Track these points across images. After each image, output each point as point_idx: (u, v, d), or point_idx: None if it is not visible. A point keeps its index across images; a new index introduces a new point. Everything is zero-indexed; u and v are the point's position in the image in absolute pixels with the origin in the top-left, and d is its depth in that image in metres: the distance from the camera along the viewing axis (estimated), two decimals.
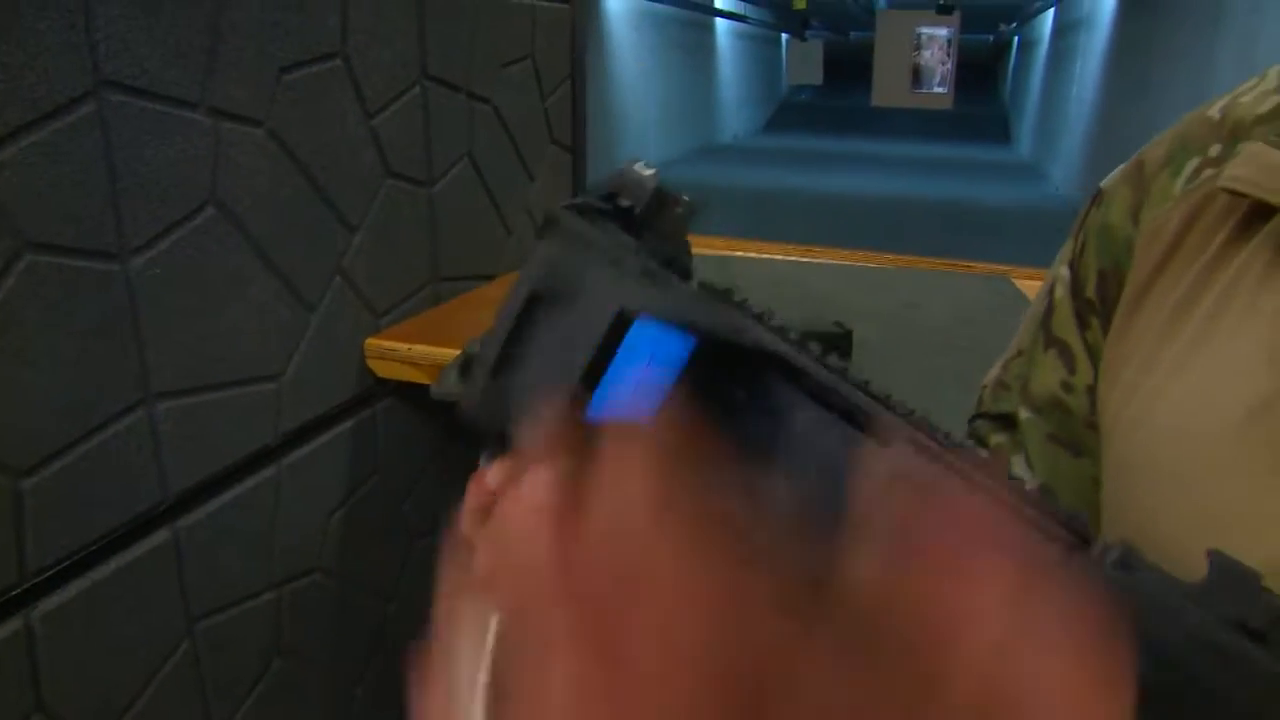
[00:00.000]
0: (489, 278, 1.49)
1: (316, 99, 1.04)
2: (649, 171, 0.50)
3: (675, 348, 0.32)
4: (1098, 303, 0.60)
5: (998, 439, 0.69)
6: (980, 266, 1.68)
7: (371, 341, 1.19)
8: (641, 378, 0.32)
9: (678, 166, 11.37)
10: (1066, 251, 0.65)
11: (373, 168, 1.16)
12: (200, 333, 0.92)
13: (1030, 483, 0.65)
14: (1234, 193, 0.49)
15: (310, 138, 1.04)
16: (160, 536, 0.90)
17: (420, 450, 1.35)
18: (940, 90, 6.98)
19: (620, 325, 0.30)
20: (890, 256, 1.67)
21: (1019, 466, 0.67)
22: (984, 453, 0.72)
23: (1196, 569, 0.49)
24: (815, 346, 0.34)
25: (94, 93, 0.79)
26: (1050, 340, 0.64)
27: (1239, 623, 0.23)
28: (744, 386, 0.33)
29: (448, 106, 1.31)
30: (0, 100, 0.72)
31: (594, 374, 0.30)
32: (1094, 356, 0.61)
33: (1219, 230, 0.50)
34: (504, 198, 1.50)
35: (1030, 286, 1.54)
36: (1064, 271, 0.65)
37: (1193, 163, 0.55)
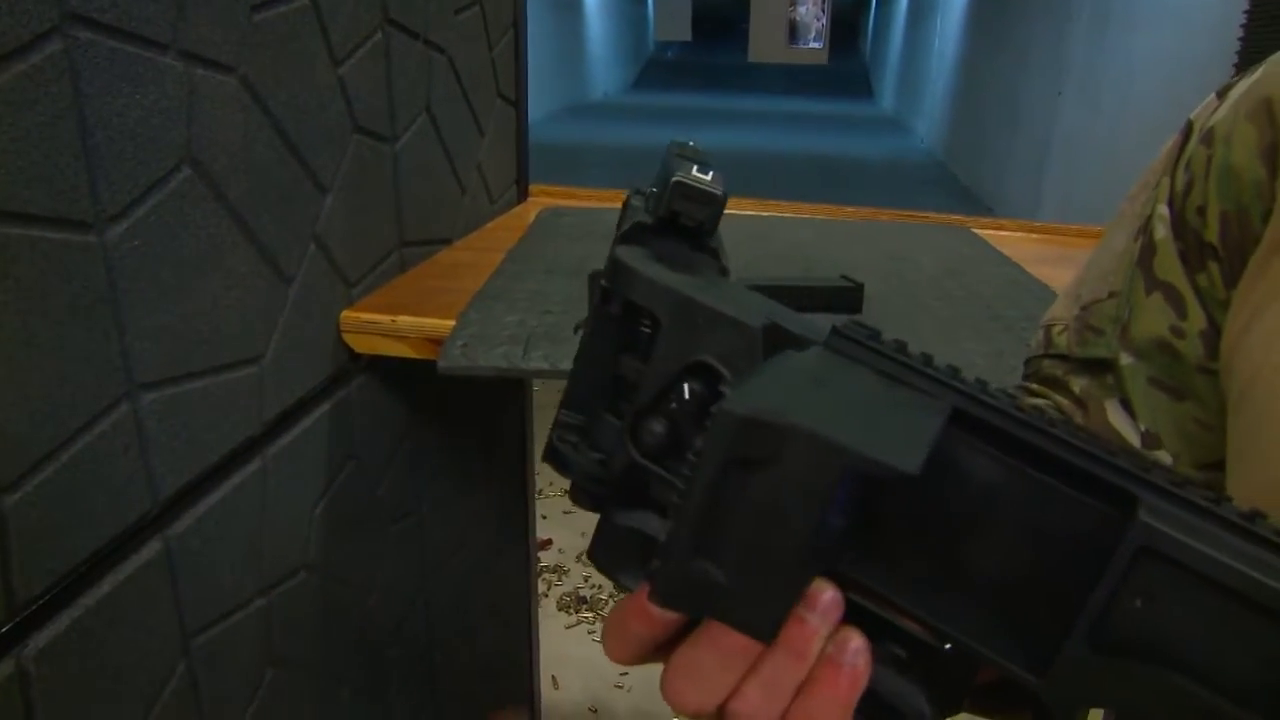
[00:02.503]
0: (446, 241, 1.38)
1: (286, 43, 0.92)
2: (708, 176, 0.42)
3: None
4: (1219, 247, 0.58)
5: (1082, 383, 0.67)
6: (936, 217, 1.68)
7: (348, 314, 1.07)
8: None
9: (549, 125, 11.21)
10: (1161, 189, 0.63)
11: (341, 122, 1.05)
12: (181, 312, 0.80)
13: (1131, 428, 0.63)
14: None
15: (282, 87, 0.92)
16: (153, 548, 0.79)
17: (393, 430, 1.25)
18: (816, 45, 7.04)
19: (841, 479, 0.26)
20: (849, 209, 1.65)
21: (1114, 412, 0.65)
22: (1062, 398, 0.70)
23: None
24: (1000, 391, 0.30)
25: (60, 29, 0.65)
26: (1154, 283, 0.62)
27: None
28: None
29: (407, 56, 1.19)
30: None
31: (814, 543, 0.27)
32: (1206, 301, 0.59)
33: None
34: (459, 155, 1.39)
35: (991, 236, 1.54)
36: (1163, 210, 0.62)
37: None
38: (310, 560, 1.05)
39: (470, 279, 1.21)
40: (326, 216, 1.02)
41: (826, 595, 0.30)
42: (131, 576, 0.76)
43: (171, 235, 0.78)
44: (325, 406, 1.06)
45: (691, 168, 0.44)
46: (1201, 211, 0.58)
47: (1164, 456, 0.62)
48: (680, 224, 0.43)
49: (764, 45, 6.93)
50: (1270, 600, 0.25)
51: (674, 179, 0.43)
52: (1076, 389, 0.68)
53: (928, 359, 0.32)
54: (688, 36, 12.03)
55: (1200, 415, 0.60)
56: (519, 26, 1.60)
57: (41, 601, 0.68)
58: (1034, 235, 1.61)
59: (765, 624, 0.28)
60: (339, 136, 1.04)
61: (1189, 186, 0.60)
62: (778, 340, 0.35)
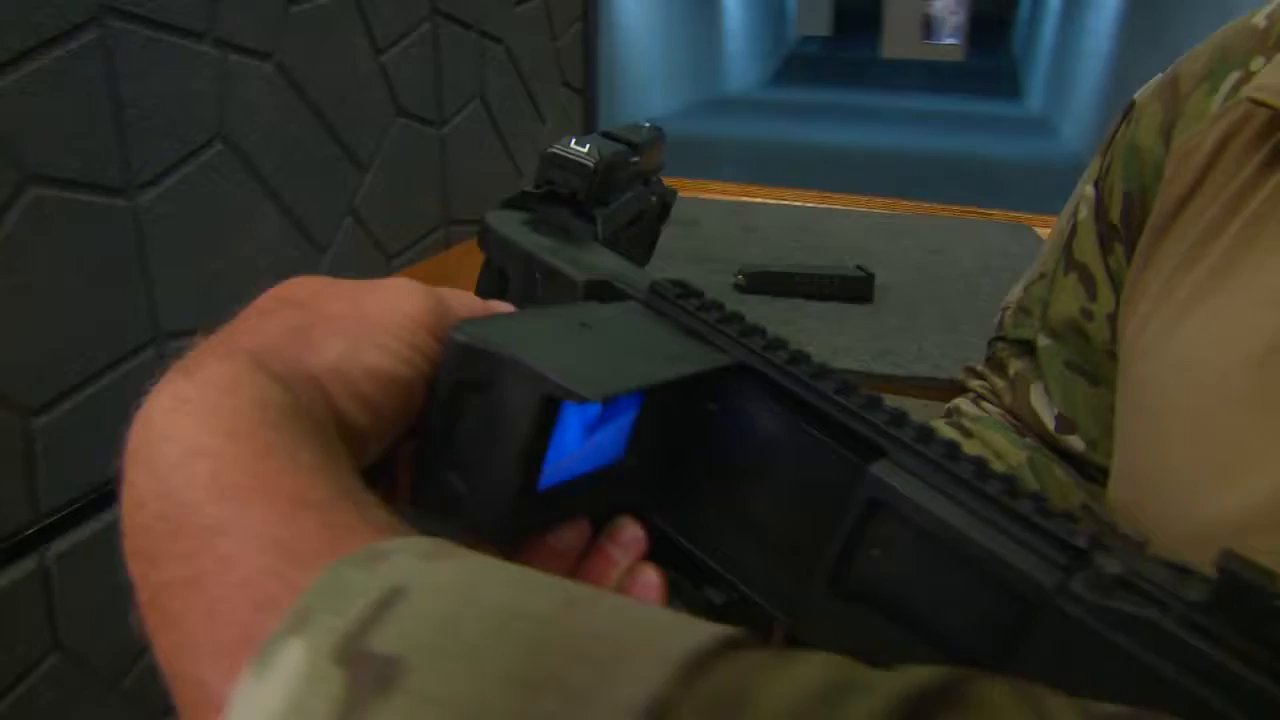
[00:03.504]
0: None
1: (325, 33, 1.01)
2: (585, 148, 0.45)
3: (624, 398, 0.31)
4: (1121, 228, 0.57)
5: (1018, 365, 0.67)
6: (1000, 215, 1.65)
7: None
8: (595, 435, 0.31)
9: (682, 120, 11.21)
10: (1093, 169, 0.62)
11: (382, 106, 1.13)
12: (210, 272, 0.90)
13: (1049, 412, 0.63)
14: (1258, 103, 0.46)
15: (319, 73, 1.01)
16: None
17: None
18: (951, 42, 6.83)
19: (548, 409, 0.28)
20: (910, 203, 1.64)
21: (1037, 394, 0.64)
22: (999, 382, 0.70)
23: (1204, 504, 0.47)
24: (782, 351, 0.32)
25: (97, 19, 0.76)
26: (1071, 264, 0.62)
27: (1250, 637, 0.22)
28: (714, 399, 0.33)
29: (459, 44, 1.27)
30: (2, 25, 0.69)
31: (531, 463, 0.29)
32: (1116, 283, 0.58)
33: (1255, 152, 0.47)
34: (515, 140, 1.47)
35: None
36: (1089, 191, 0.62)
37: (1232, 77, 0.51)
38: None
39: None
40: (365, 192, 1.11)
41: (627, 531, 0.34)
42: None
43: (202, 202, 0.88)
44: None
45: (571, 140, 0.48)
46: (1114, 192, 0.58)
47: (1076, 442, 0.62)
48: (557, 192, 0.47)
49: (897, 41, 6.79)
50: (982, 558, 0.26)
51: (547, 150, 0.47)
52: (1012, 371, 0.68)
53: (734, 318, 0.34)
54: (828, 31, 11.86)
55: (1113, 401, 0.60)
56: (589, 18, 1.66)
57: (64, 512, 0.78)
58: None
59: (496, 531, 0.30)
60: (381, 119, 1.13)
61: (1108, 167, 0.59)
62: (603, 294, 0.39)
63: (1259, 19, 0.52)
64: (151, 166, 0.82)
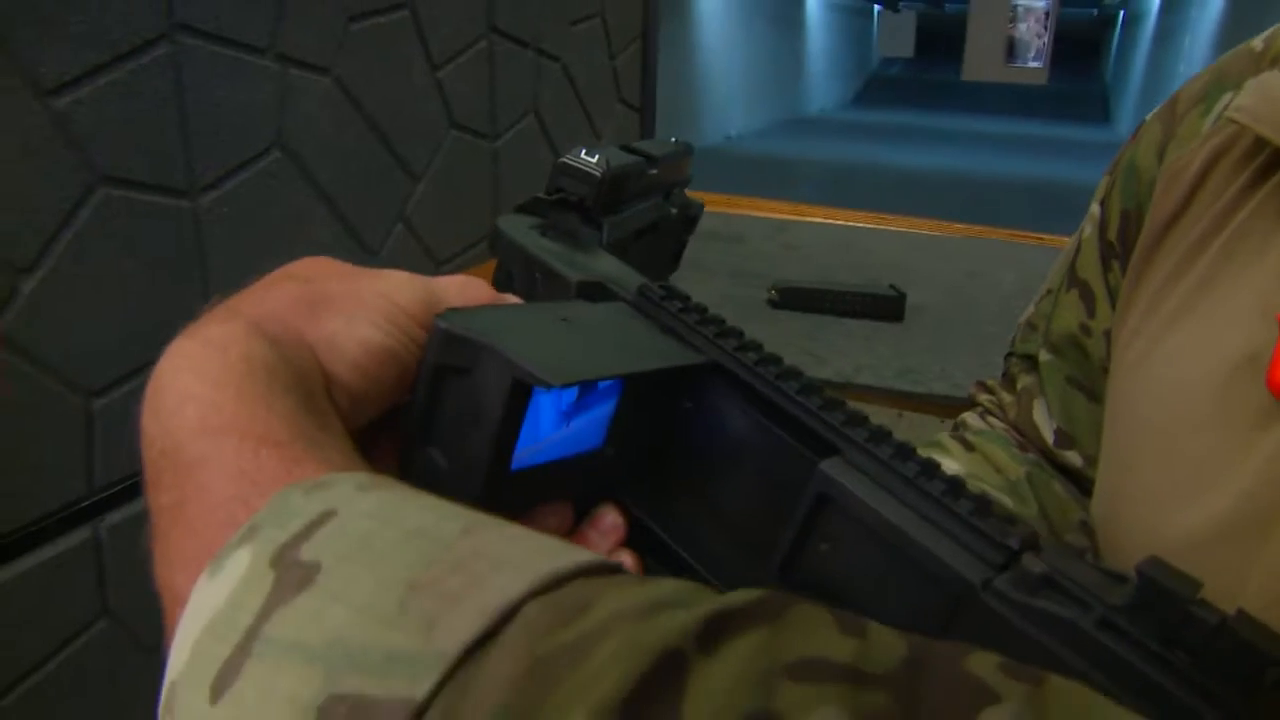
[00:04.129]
0: None
1: (383, 49, 1.07)
2: (594, 158, 0.48)
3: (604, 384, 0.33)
4: (1118, 245, 0.58)
5: (1026, 380, 0.68)
6: (1049, 239, 1.64)
7: None
8: (573, 421, 0.33)
9: (762, 138, 11.23)
10: (1102, 187, 0.63)
11: (436, 119, 1.19)
12: (264, 271, 0.96)
13: (1049, 427, 0.64)
14: (1234, 123, 0.47)
15: (376, 87, 1.07)
16: None
17: None
18: (1035, 65, 6.66)
19: (519, 394, 0.30)
20: (960, 226, 1.64)
21: (1039, 409, 0.65)
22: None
23: (1169, 522, 0.47)
24: (753, 353, 0.34)
25: (168, 35, 0.82)
26: (1073, 280, 0.62)
27: (1166, 642, 0.22)
28: (690, 397, 0.35)
29: (514, 61, 1.32)
30: (79, 40, 0.76)
31: (504, 443, 0.31)
32: (1114, 300, 0.59)
33: (1240, 172, 0.48)
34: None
35: None
36: (1095, 209, 0.63)
37: (1225, 98, 0.51)
38: None
39: None
40: (417, 201, 1.17)
41: (608, 518, 0.37)
42: None
43: (259, 206, 0.94)
44: None
45: (583, 150, 0.51)
46: (1113, 210, 0.59)
47: (1074, 458, 0.63)
48: (567, 199, 0.50)
49: (979, 63, 6.66)
50: (919, 554, 0.27)
51: (559, 159, 0.51)
52: (1019, 385, 0.69)
53: (713, 320, 0.36)
54: (910, 53, 11.72)
55: None
56: (649, 37, 1.71)
57: (117, 488, 0.85)
58: None
59: (470, 505, 0.32)
60: (434, 131, 1.18)
61: (1113, 185, 0.61)
62: (596, 294, 0.42)
63: (1257, 42, 0.53)
64: (213, 171, 0.88)
